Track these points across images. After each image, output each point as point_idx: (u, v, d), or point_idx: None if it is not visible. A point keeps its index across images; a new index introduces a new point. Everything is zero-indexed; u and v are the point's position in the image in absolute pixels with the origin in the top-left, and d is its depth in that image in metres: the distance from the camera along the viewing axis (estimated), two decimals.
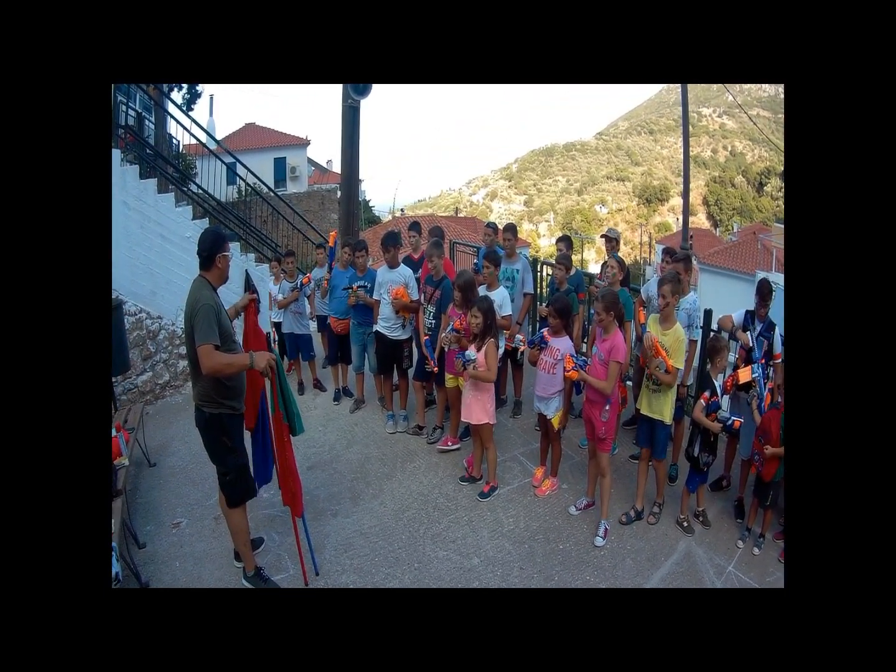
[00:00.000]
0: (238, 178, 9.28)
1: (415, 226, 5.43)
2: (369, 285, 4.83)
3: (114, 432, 3.69)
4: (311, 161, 26.31)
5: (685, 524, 3.59)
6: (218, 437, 2.86)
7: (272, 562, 3.36)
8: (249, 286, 3.24)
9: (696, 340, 4.05)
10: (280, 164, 22.66)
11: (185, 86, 17.10)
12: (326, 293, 5.37)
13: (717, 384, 3.46)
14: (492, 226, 5.07)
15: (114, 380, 5.29)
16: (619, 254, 4.72)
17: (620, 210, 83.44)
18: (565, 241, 5.12)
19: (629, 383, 4.09)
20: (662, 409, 3.46)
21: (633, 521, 3.64)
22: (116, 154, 5.89)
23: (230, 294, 6.74)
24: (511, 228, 4.88)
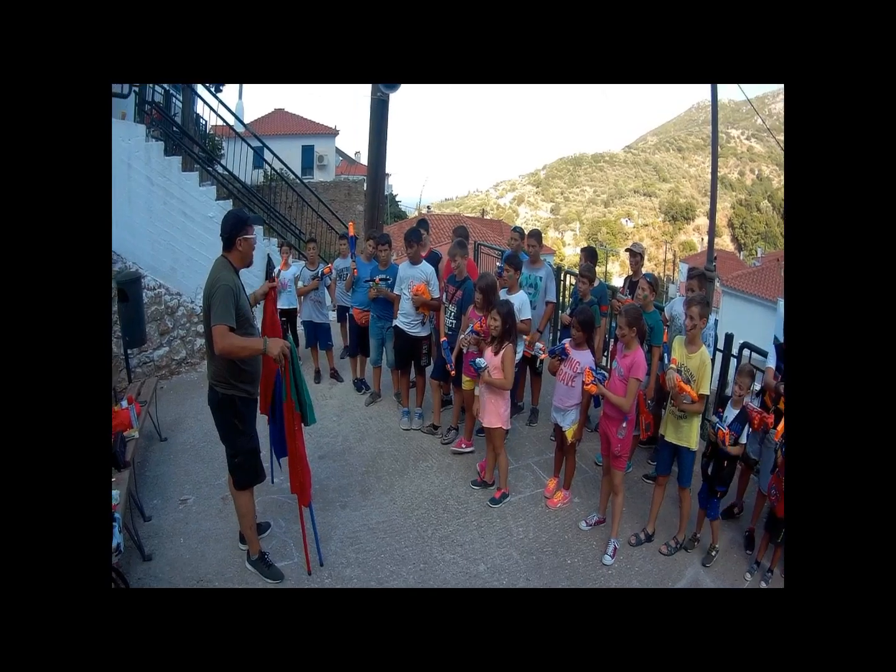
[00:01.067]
0: (264, 163, 9.26)
1: (423, 223, 5.38)
2: (391, 279, 4.81)
3: (125, 404, 3.72)
4: (339, 151, 26.34)
5: (696, 544, 3.54)
6: (229, 418, 2.86)
7: (277, 548, 3.35)
8: (270, 273, 3.21)
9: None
10: (308, 152, 22.66)
11: None
12: (351, 285, 5.35)
13: (732, 410, 3.35)
14: (518, 230, 5.02)
15: (130, 352, 5.32)
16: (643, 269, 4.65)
17: (646, 225, 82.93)
18: (589, 253, 5.05)
19: (650, 403, 3.99)
20: (689, 435, 3.35)
21: (643, 544, 3.57)
22: (141, 129, 5.96)
23: (252, 278, 6.78)
24: (536, 235, 4.83)
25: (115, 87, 6.02)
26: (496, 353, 3.67)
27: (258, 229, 6.67)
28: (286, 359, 2.71)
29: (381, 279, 4.84)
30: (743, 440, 3.30)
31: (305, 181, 11.65)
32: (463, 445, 4.51)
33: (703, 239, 72.96)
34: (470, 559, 3.35)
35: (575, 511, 3.88)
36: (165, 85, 8.12)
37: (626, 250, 4.87)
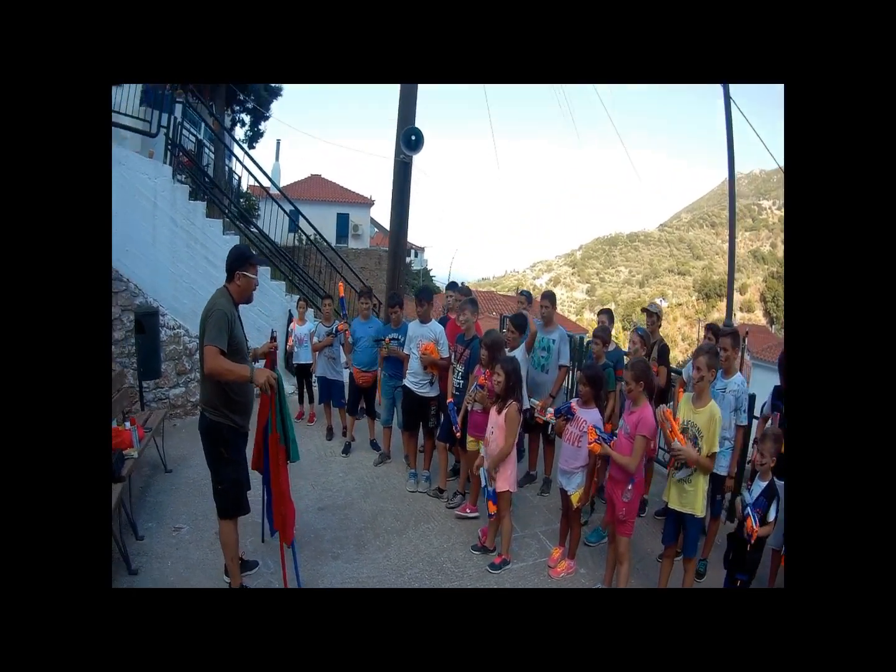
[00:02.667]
0: (297, 227, 9.62)
1: (453, 285, 5.50)
2: (402, 339, 4.86)
3: (128, 425, 3.89)
4: (374, 222, 27.35)
5: None
6: (215, 445, 2.92)
7: (261, 586, 3.30)
8: (273, 337, 3.35)
9: (743, 426, 3.73)
10: (343, 220, 23.54)
11: (247, 122, 16.84)
12: (350, 348, 5.44)
13: (759, 483, 3.01)
14: (525, 293, 5.08)
15: (146, 386, 5.49)
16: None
17: (680, 304, 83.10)
18: (607, 315, 5.04)
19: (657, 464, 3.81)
20: (693, 501, 3.10)
21: None
22: (168, 170, 6.24)
23: (263, 317, 6.96)
24: (549, 296, 4.87)
25: (144, 126, 6.31)
26: (499, 412, 3.63)
27: (263, 270, 6.80)
28: (272, 389, 2.76)
29: (391, 339, 4.92)
30: (772, 516, 2.92)
31: (339, 246, 12.06)
32: (467, 510, 4.37)
33: (735, 315, 72.40)
34: None
35: (579, 582, 3.64)
36: (198, 134, 8.60)
37: (643, 310, 4.86)
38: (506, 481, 3.65)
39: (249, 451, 3.18)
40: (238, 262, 2.94)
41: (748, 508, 2.84)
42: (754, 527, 2.76)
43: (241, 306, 3.01)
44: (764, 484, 2.97)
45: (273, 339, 3.33)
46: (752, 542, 2.79)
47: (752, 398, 3.99)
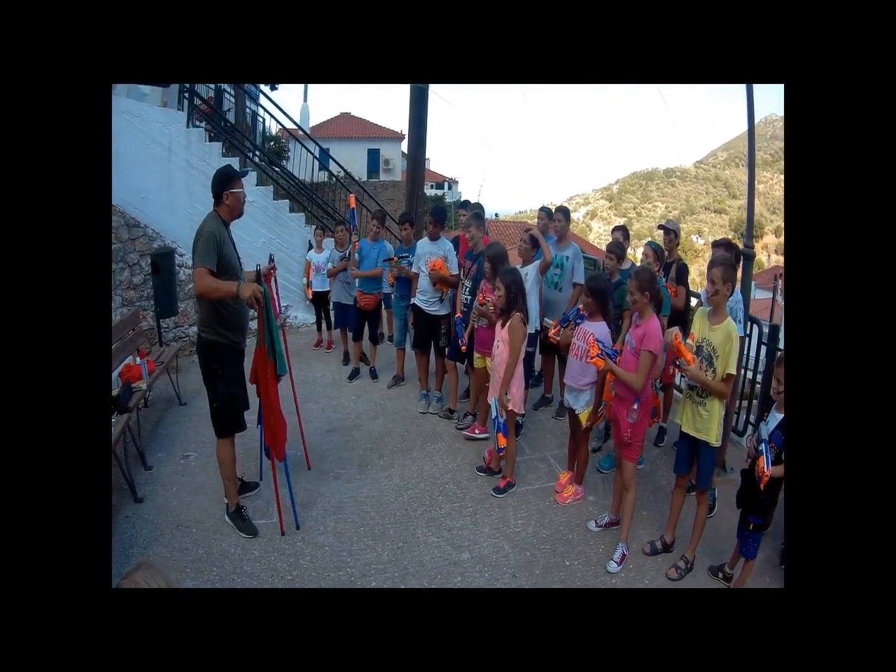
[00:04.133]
0: (325, 166, 9.65)
1: (465, 204, 5.24)
2: (411, 257, 4.67)
3: (138, 360, 3.95)
4: (405, 155, 27.14)
5: (720, 575, 2.96)
6: (210, 363, 2.92)
7: (260, 506, 3.33)
8: (271, 259, 3.39)
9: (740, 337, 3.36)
10: (374, 156, 23.42)
11: None
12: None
13: (775, 415, 2.58)
14: (546, 210, 4.69)
15: (165, 325, 5.55)
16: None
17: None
18: (622, 231, 4.59)
19: (660, 391, 3.52)
20: (709, 427, 2.78)
21: (658, 554, 3.09)
22: (182, 115, 6.28)
23: (284, 249, 6.91)
24: (563, 211, 4.52)
25: None
26: (503, 326, 3.40)
27: (252, 176, 6.77)
28: (259, 303, 2.68)
29: (400, 257, 4.72)
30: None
31: (371, 182, 11.92)
32: (476, 431, 4.23)
33: (769, 256, 69.89)
34: (455, 545, 3.08)
35: (587, 509, 3.49)
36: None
37: (659, 227, 4.42)
38: (511, 400, 3.45)
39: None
40: (224, 183, 2.91)
41: (762, 445, 2.43)
42: (766, 469, 2.38)
43: (262, 240, 3.14)
44: (780, 416, 2.53)
45: (271, 261, 3.34)
46: (763, 485, 2.43)
47: (774, 329, 3.69)
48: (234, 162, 6.49)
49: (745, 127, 3.80)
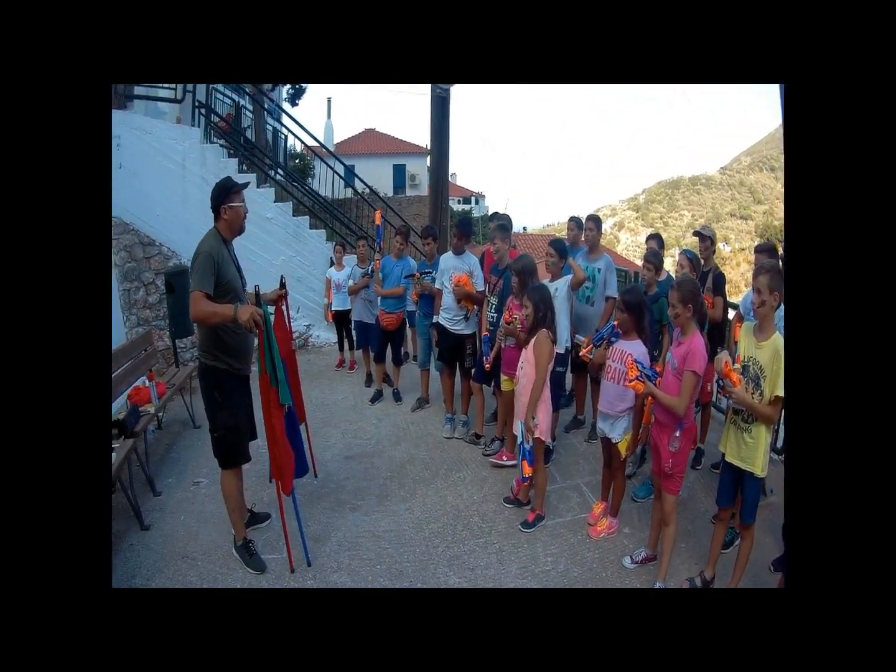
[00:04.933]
0: (350, 183, 9.69)
1: (494, 216, 5.06)
2: (435, 273, 4.45)
3: (146, 382, 3.84)
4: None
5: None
6: (209, 389, 2.77)
7: (271, 540, 3.15)
8: (282, 283, 3.21)
9: None
10: (399, 171, 23.73)
11: None
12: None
13: None
14: (576, 220, 4.46)
15: (182, 345, 5.49)
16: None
17: (742, 249, 78.74)
18: (657, 240, 4.32)
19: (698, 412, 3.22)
20: (754, 455, 2.50)
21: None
22: (196, 132, 6.26)
23: (305, 267, 6.81)
24: (594, 219, 4.27)
25: (169, 93, 6.50)
26: (526, 345, 3.16)
27: (260, 190, 6.71)
28: (258, 327, 2.50)
29: (423, 273, 4.53)
30: None
31: (397, 198, 11.94)
32: (504, 458, 3.95)
33: None
34: (478, 586, 2.81)
35: (622, 544, 3.18)
36: (234, 97, 8.67)
37: (695, 233, 4.12)
38: (537, 428, 3.19)
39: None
40: (221, 197, 2.74)
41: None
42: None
43: (282, 258, 2.97)
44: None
45: (282, 285, 3.18)
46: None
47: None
48: (252, 178, 6.46)
49: (766, 131, 3.56)
